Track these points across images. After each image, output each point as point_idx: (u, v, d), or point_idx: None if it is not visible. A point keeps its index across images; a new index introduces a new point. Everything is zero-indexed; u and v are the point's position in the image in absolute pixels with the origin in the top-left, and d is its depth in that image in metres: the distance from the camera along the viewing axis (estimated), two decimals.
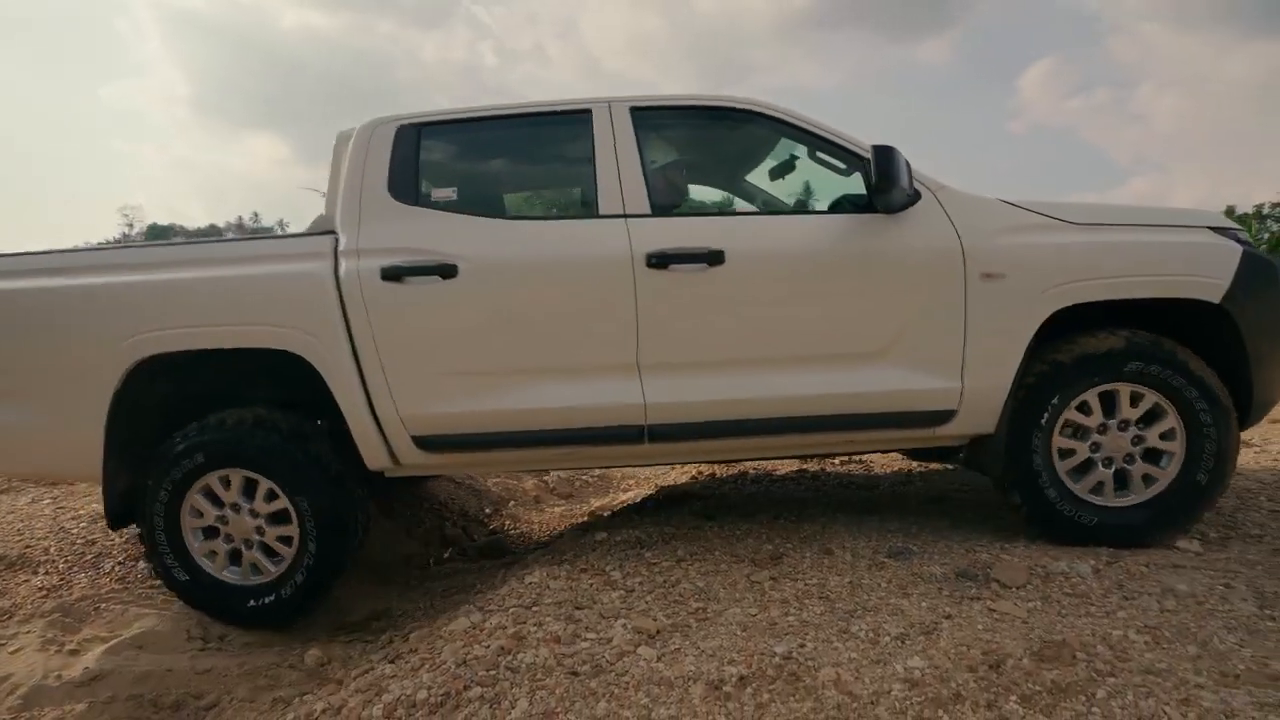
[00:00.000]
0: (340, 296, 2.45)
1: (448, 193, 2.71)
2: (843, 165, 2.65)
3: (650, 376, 2.50)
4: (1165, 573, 2.21)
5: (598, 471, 4.76)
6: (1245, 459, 3.37)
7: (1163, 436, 2.45)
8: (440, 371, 2.48)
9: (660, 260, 2.45)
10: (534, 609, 2.22)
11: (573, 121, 2.69)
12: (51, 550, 3.18)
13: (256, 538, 2.53)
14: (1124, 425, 2.47)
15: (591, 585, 2.38)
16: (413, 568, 3.33)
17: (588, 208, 2.68)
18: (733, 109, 2.69)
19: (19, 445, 2.60)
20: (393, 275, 2.44)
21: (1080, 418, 2.48)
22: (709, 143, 3.23)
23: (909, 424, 2.54)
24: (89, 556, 3.09)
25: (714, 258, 2.45)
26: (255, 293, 2.48)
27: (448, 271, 2.45)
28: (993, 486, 2.66)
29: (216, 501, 2.52)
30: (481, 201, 2.93)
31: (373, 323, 2.44)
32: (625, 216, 2.51)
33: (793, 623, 2.05)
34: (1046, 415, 2.46)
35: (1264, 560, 2.30)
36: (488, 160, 3.07)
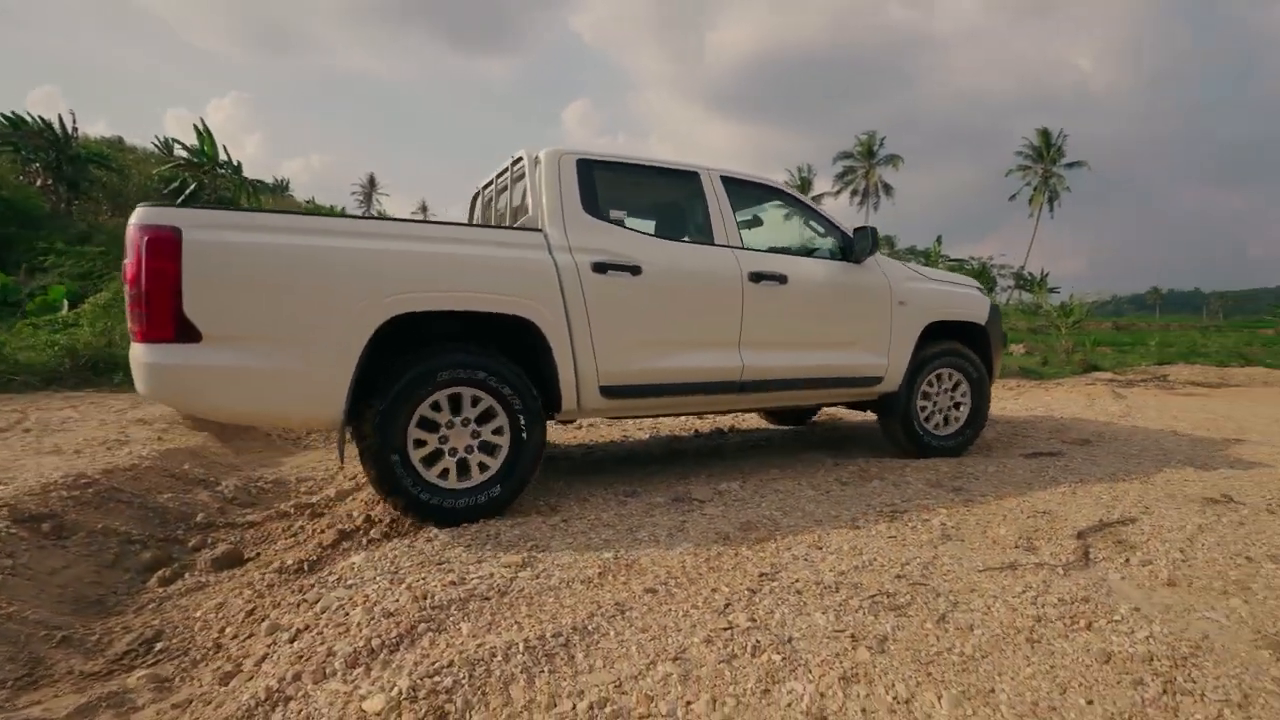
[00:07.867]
0: (559, 278, 3.25)
1: (620, 213, 3.70)
2: (822, 230, 4.35)
3: (745, 349, 3.78)
4: (776, 482, 3.80)
5: (272, 478, 4.61)
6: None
7: (963, 396, 4.72)
8: (630, 340, 3.44)
9: (756, 277, 3.79)
10: (400, 570, 2.55)
11: (687, 176, 3.92)
12: None
13: (473, 441, 3.13)
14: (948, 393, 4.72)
15: (429, 547, 2.78)
16: (125, 594, 2.96)
17: (707, 237, 3.83)
18: (781, 191, 4.28)
19: (268, 387, 2.77)
20: (601, 268, 3.38)
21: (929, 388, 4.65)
22: (745, 202, 4.37)
23: (860, 385, 4.29)
24: None
25: (782, 279, 3.89)
26: (507, 269, 3.17)
27: (636, 270, 3.46)
28: (887, 424, 4.62)
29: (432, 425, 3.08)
30: (643, 221, 4.19)
31: (587, 301, 3.32)
32: (731, 248, 3.81)
33: (598, 542, 2.91)
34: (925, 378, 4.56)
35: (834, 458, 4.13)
36: (639, 191, 4.23)
